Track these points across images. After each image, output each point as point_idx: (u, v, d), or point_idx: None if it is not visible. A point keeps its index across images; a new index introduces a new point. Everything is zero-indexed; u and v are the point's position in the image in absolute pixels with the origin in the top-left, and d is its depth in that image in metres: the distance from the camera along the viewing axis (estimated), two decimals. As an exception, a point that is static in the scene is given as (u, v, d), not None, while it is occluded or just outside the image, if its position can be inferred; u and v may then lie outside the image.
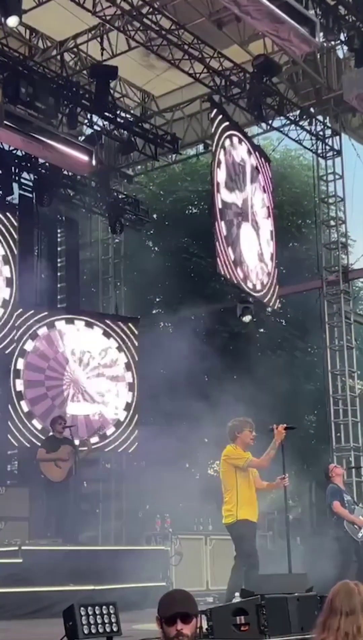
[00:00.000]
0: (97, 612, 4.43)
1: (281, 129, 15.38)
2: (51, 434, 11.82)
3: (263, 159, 14.82)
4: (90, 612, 4.39)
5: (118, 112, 14.39)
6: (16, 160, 14.48)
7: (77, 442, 11.93)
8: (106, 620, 4.44)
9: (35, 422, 13.71)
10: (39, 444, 12.01)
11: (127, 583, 9.89)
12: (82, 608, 4.37)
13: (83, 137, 15.28)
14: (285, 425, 7.84)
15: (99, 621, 4.41)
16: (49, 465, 11.16)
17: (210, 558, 11.69)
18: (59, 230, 16.57)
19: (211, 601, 10.65)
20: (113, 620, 4.48)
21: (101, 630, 4.41)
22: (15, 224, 14.10)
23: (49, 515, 11.19)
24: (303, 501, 16.48)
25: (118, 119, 14.47)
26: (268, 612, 5.26)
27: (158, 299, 20.05)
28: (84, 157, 13.17)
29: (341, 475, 10.78)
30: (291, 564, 7.68)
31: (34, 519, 11.77)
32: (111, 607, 4.50)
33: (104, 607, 4.47)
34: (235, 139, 13.83)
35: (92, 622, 4.38)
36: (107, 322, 15.41)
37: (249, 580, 7.52)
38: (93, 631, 4.38)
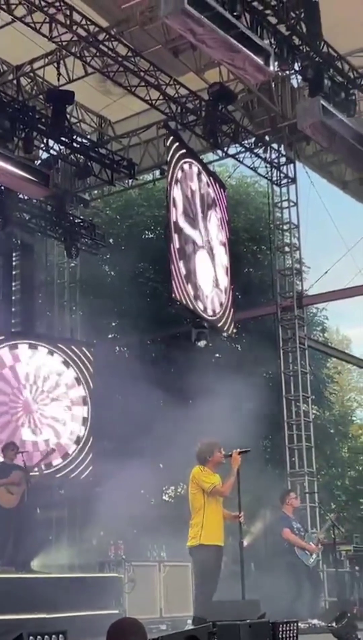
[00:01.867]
0: (46, 641, 4.34)
1: (237, 156, 15.55)
2: (1, 460, 11.66)
3: (218, 186, 14.96)
4: (39, 642, 4.30)
5: (75, 137, 14.40)
6: (-29, 184, 14.39)
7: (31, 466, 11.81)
8: (56, 650, 4.36)
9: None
10: None
11: (80, 611, 9.76)
12: (31, 637, 4.28)
13: (39, 162, 15.30)
14: (238, 450, 7.83)
15: (48, 650, 4.32)
16: (1, 491, 11.01)
17: (163, 585, 11.60)
18: (14, 254, 16.48)
19: (165, 629, 10.57)
20: (63, 649, 4.40)
21: (50, 660, 4.32)
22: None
23: (3, 543, 11.00)
24: (256, 527, 16.46)
25: (74, 144, 14.48)
26: (220, 639, 5.22)
27: (113, 324, 20.00)
28: (40, 181, 13.14)
29: (294, 506, 10.87)
30: (244, 589, 7.66)
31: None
32: (60, 636, 4.41)
33: (53, 636, 4.38)
34: (191, 166, 13.95)
35: (41, 651, 4.29)
36: (62, 346, 15.32)
37: (199, 606, 7.48)
38: (43, 661, 4.29)
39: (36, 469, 11.86)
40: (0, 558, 10.85)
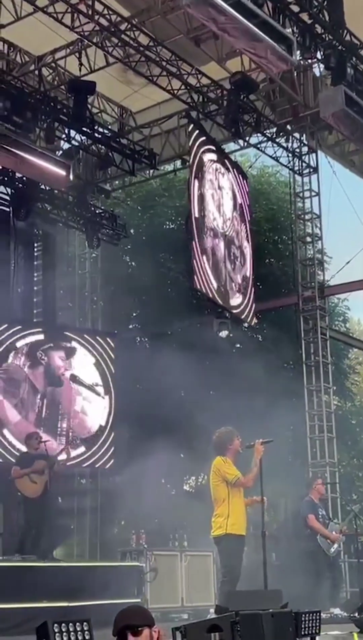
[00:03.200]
0: (70, 628, 4.35)
1: (258, 146, 15.48)
2: (25, 450, 11.71)
3: (240, 176, 14.91)
4: (64, 629, 4.31)
5: (96, 127, 14.39)
6: (-7, 175, 14.44)
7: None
8: (80, 637, 4.36)
9: (8, 436, 13.61)
10: (14, 462, 11.84)
11: (101, 599, 9.80)
12: (55, 625, 4.30)
13: (60, 152, 15.32)
14: (261, 440, 7.82)
15: (72, 638, 4.33)
16: (24, 481, 11.05)
17: (185, 574, 11.63)
18: (35, 245, 16.53)
19: (186, 618, 10.61)
20: (87, 637, 4.41)
21: (74, 647, 4.35)
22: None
23: (27, 531, 11.05)
24: (278, 517, 16.46)
25: (96, 134, 14.47)
26: (243, 628, 5.23)
27: (134, 314, 20.03)
28: (62, 172, 13.15)
29: (321, 493, 10.83)
30: (267, 579, 7.66)
31: (7, 535, 11.65)
32: (85, 623, 4.43)
33: (78, 623, 4.40)
34: (213, 156, 13.91)
35: (65, 639, 4.32)
36: (84, 336, 15.37)
37: (222, 595, 7.51)
38: (67, 648, 4.32)
39: (59, 459, 11.90)
40: (24, 547, 10.91)
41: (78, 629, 4.42)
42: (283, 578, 10.58)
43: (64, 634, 4.34)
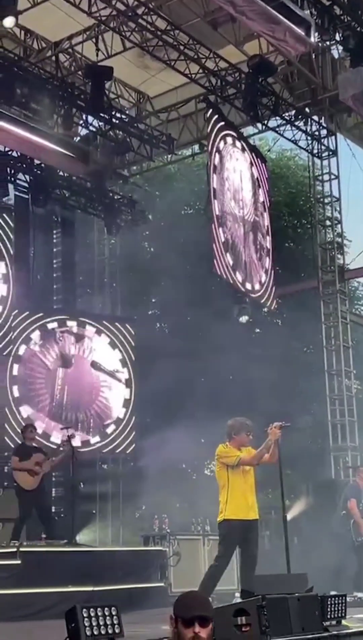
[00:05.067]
0: (99, 613, 4.39)
1: (277, 129, 15.38)
2: (21, 441, 11.74)
3: (259, 159, 14.84)
4: (92, 614, 4.35)
5: (113, 112, 14.37)
6: (12, 162, 14.47)
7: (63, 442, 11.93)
8: (108, 622, 4.40)
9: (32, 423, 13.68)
10: (13, 452, 11.86)
11: (125, 584, 9.88)
12: (84, 610, 4.34)
13: (78, 138, 15.30)
14: (280, 424, 7.80)
15: (101, 623, 4.37)
16: (23, 474, 11.12)
17: (208, 559, 11.65)
18: (54, 232, 16.56)
19: (210, 602, 10.62)
20: (115, 621, 4.45)
21: (103, 632, 4.37)
22: (11, 225, 14.11)
23: (20, 523, 11.06)
24: (300, 501, 16.46)
25: (113, 120, 14.45)
26: (269, 612, 5.25)
27: (153, 300, 20.02)
28: (80, 158, 13.17)
29: None
30: (289, 564, 7.66)
31: (32, 520, 11.73)
32: (113, 608, 4.47)
33: (106, 608, 4.43)
34: (231, 140, 13.85)
35: (94, 623, 4.34)
36: (104, 322, 15.41)
37: (211, 575, 7.55)
38: (95, 633, 4.34)
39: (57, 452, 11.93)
40: (16, 535, 11.03)
41: (106, 613, 4.45)
42: (305, 562, 10.64)
43: (93, 618, 4.38)
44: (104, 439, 14.63)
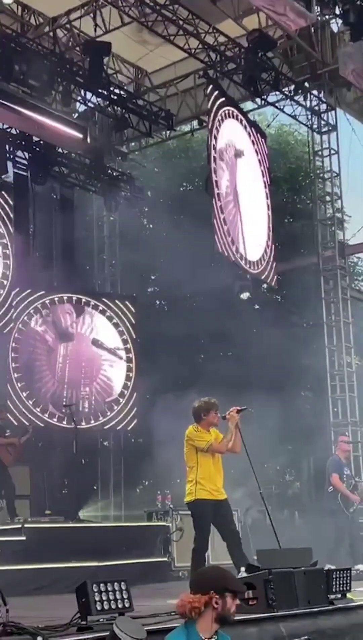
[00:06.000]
0: (109, 588, 4.46)
1: (276, 104, 15.30)
2: None
3: (258, 135, 14.79)
4: (102, 589, 4.43)
5: (112, 88, 14.28)
6: (10, 139, 14.38)
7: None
8: (118, 597, 4.48)
9: (34, 401, 13.75)
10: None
11: (129, 559, 9.97)
12: (94, 585, 4.41)
13: (77, 114, 15.22)
14: (236, 408, 7.84)
15: (111, 597, 4.45)
16: (2, 449, 11.28)
17: (211, 533, 11.76)
18: (54, 209, 16.49)
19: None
20: (125, 596, 4.52)
21: (113, 607, 4.44)
22: (11, 202, 14.07)
23: (13, 498, 11.36)
24: (301, 476, 16.58)
25: (112, 96, 14.37)
26: (276, 586, 5.32)
27: (153, 277, 20.00)
28: (78, 134, 13.12)
29: (346, 450, 10.84)
30: (278, 538, 7.67)
31: (35, 497, 11.85)
32: (122, 583, 4.54)
33: (115, 583, 4.51)
34: (231, 115, 13.79)
35: (104, 598, 4.42)
36: (104, 300, 15.41)
37: (196, 561, 7.60)
38: (106, 607, 4.42)
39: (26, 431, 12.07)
40: None
41: (116, 588, 4.53)
42: (305, 536, 10.74)
43: (103, 593, 4.45)
44: (105, 416, 14.68)
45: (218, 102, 13.20)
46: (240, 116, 14.17)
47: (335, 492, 10.46)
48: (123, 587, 4.52)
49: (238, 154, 13.88)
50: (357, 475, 13.70)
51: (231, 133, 13.82)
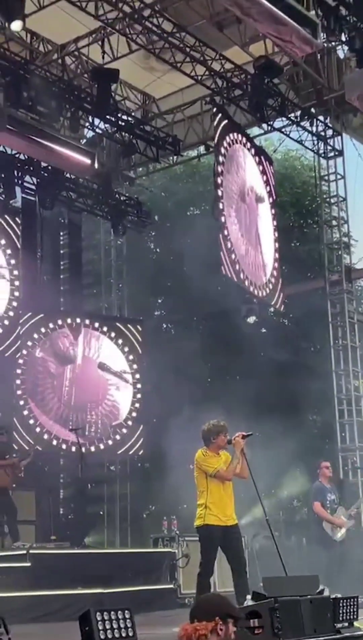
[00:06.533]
0: (112, 617, 4.40)
1: (283, 130, 15.38)
2: None
3: (265, 160, 14.85)
4: (106, 617, 4.37)
5: (119, 114, 14.40)
6: (19, 164, 14.50)
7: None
8: (122, 625, 4.42)
9: (40, 425, 13.73)
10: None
11: (135, 586, 9.92)
12: (98, 613, 4.35)
13: (85, 140, 15.33)
14: (242, 434, 7.83)
15: (115, 626, 4.38)
16: (0, 472, 11.25)
17: (217, 560, 11.67)
18: (61, 233, 16.60)
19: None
20: (129, 625, 4.46)
21: (116, 635, 4.39)
22: (19, 227, 14.15)
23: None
24: (309, 502, 16.43)
25: (119, 122, 14.49)
26: (282, 614, 5.27)
27: (160, 301, 20.05)
28: (86, 160, 13.20)
29: (327, 476, 10.79)
30: (284, 564, 7.62)
31: (41, 522, 11.80)
32: (126, 611, 4.48)
33: (119, 612, 4.45)
34: (237, 141, 13.86)
35: (108, 627, 4.36)
36: (111, 323, 15.43)
37: (200, 585, 7.55)
38: (109, 636, 4.36)
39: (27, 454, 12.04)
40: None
41: (120, 617, 4.47)
42: (312, 562, 10.64)
43: (106, 622, 4.39)
44: (111, 440, 14.64)
45: (224, 129, 13.27)
46: (246, 141, 14.24)
47: (320, 520, 10.42)
48: (127, 616, 4.46)
49: (245, 183, 13.93)
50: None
51: (239, 158, 13.89)
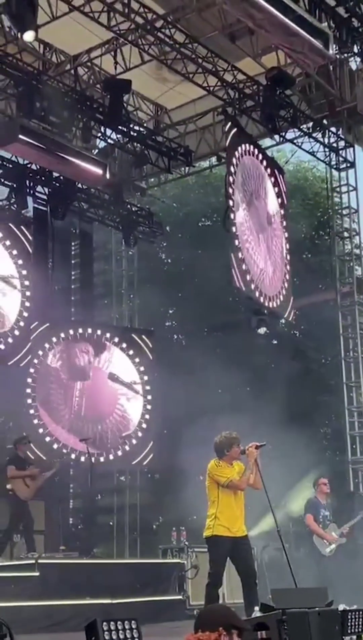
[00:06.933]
0: (119, 627, 4.37)
1: (295, 141, 15.40)
2: (15, 453, 11.83)
3: (277, 171, 14.85)
4: (112, 628, 4.34)
5: (131, 125, 14.46)
6: (30, 174, 14.54)
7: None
8: (128, 636, 4.39)
9: (50, 434, 13.71)
10: (7, 462, 11.94)
11: (143, 596, 9.88)
12: (104, 623, 4.33)
13: (97, 151, 15.38)
14: (255, 444, 7.81)
15: (121, 636, 4.36)
16: (19, 483, 11.27)
17: (226, 572, 11.61)
18: (73, 243, 16.62)
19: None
20: (135, 635, 4.43)
21: (123, 646, 4.37)
22: (30, 237, 14.19)
23: (12, 531, 11.36)
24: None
25: (131, 132, 14.54)
26: (290, 627, 5.22)
27: (170, 311, 20.06)
28: (98, 170, 13.22)
29: (324, 492, 10.80)
30: (294, 576, 7.58)
31: (50, 532, 11.77)
32: (133, 622, 4.45)
33: (126, 622, 4.42)
34: (249, 152, 13.88)
35: (114, 637, 4.34)
36: (122, 334, 15.42)
37: (209, 595, 7.52)
38: (115, 646, 4.34)
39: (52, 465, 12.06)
40: (16, 546, 11.14)
41: (127, 627, 4.44)
42: (322, 575, 10.57)
43: (113, 632, 4.37)
44: (121, 451, 14.61)
45: (236, 140, 13.30)
46: (258, 153, 14.25)
47: (311, 534, 10.42)
48: (134, 626, 4.43)
49: (257, 194, 13.93)
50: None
51: (251, 170, 13.90)
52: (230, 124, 13.21)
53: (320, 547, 10.36)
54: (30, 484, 11.36)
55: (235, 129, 13.28)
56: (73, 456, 13.69)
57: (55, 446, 13.65)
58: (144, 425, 14.94)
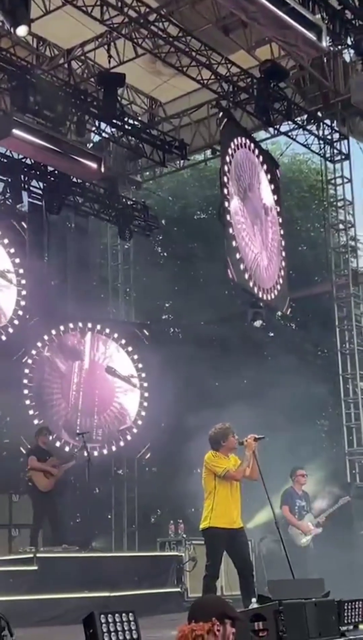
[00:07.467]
0: (117, 619, 4.42)
1: (289, 134, 15.40)
2: (37, 444, 11.87)
3: (271, 164, 14.86)
4: (110, 620, 4.39)
5: (126, 119, 14.44)
6: (25, 169, 14.51)
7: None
8: (126, 628, 4.44)
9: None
10: (28, 452, 12.00)
11: (141, 589, 9.92)
12: (102, 616, 4.37)
13: (91, 145, 15.36)
14: (254, 436, 7.83)
15: (119, 629, 4.40)
16: (39, 474, 11.32)
17: (224, 564, 11.63)
18: (68, 238, 16.60)
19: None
20: (133, 627, 4.48)
21: (121, 638, 4.40)
22: (25, 231, 14.18)
23: (38, 523, 11.43)
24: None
25: (126, 126, 14.52)
26: (286, 617, 5.27)
27: (167, 305, 20.07)
28: (93, 164, 13.23)
29: (301, 484, 10.84)
30: (292, 568, 7.61)
31: (48, 527, 11.79)
32: (130, 614, 4.50)
33: (123, 614, 4.47)
34: (244, 145, 13.88)
35: (112, 629, 4.38)
36: (118, 328, 15.44)
37: (206, 587, 7.55)
38: (113, 639, 4.38)
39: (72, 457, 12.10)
40: (43, 538, 11.18)
41: (124, 619, 4.49)
42: (320, 566, 10.62)
43: (110, 624, 4.41)
44: (119, 444, 14.65)
45: (231, 133, 13.30)
46: (253, 145, 14.26)
47: (286, 524, 10.46)
48: (131, 618, 4.48)
49: (251, 186, 13.94)
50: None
51: (245, 163, 13.90)
52: (223, 116, 13.23)
53: (295, 538, 10.42)
54: (50, 477, 11.40)
55: (228, 122, 13.29)
56: (69, 449, 13.72)
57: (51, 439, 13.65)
58: (141, 419, 14.96)
